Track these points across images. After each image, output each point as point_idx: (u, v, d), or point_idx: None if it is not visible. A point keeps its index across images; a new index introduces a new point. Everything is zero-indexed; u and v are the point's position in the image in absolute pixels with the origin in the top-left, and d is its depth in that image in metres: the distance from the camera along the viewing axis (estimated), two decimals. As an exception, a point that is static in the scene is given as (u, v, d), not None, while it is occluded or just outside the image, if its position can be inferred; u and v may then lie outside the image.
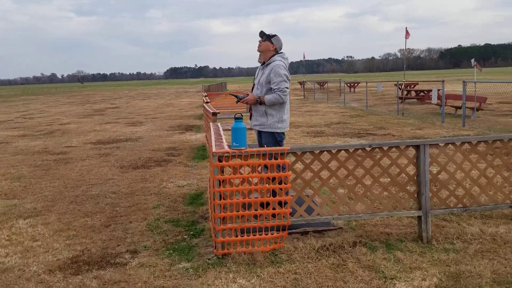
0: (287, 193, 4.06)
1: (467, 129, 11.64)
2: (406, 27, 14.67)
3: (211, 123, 6.15)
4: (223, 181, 3.89)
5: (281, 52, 5.01)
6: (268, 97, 4.81)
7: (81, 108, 27.65)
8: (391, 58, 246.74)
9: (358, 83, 34.31)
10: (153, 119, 17.99)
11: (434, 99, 13.91)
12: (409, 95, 22.14)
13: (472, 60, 13.37)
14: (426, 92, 20.48)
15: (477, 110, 14.06)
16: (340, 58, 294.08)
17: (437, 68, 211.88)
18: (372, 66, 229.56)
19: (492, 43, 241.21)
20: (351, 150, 4.09)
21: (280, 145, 5.00)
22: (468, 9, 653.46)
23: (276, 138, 4.96)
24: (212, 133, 5.11)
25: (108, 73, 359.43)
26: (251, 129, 5.14)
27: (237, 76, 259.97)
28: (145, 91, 58.13)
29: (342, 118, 15.59)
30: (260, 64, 5.20)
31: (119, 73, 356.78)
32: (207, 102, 12.78)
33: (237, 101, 5.12)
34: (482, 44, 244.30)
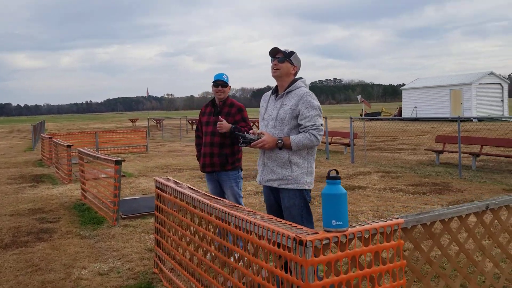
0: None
1: (358, 165, 11.51)
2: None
3: (178, 188, 4.24)
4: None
5: (301, 77, 3.57)
6: (298, 139, 3.31)
7: None
8: (210, 96, 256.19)
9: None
10: (-26, 168, 13.96)
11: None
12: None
13: (359, 97, 13.65)
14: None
15: (348, 145, 14.33)
16: (159, 95, 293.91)
17: (251, 106, 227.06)
18: (192, 103, 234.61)
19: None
20: (464, 216, 2.84)
21: (309, 210, 3.48)
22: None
23: (305, 199, 3.44)
24: (217, 204, 3.31)
25: None
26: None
27: (46, 114, 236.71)
28: None
29: (218, 158, 14.30)
30: (272, 93, 3.66)
31: None
32: (70, 146, 10.20)
33: (243, 144, 3.46)
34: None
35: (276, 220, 2.61)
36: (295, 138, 3.32)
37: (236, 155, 4.64)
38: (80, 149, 8.22)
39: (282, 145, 3.34)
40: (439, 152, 11.33)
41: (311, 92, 3.41)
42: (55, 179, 11.08)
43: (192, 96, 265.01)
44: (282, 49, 3.50)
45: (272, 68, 3.50)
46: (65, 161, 10.59)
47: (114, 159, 6.31)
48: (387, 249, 2.45)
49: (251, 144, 3.40)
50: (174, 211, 3.95)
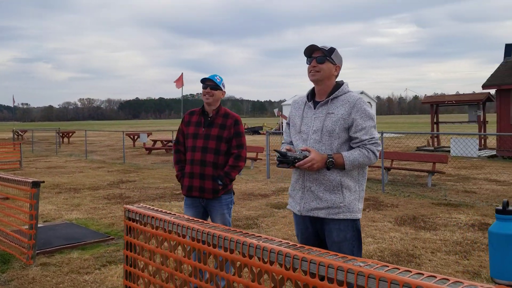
0: None
1: (276, 181, 11.15)
2: (182, 73, 13.50)
3: (179, 222, 3.23)
4: None
5: (342, 80, 2.95)
6: (353, 156, 2.68)
7: None
8: (71, 107, 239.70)
9: (74, 132, 30.62)
10: None
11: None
12: (155, 145, 20.79)
13: (276, 110, 13.33)
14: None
15: (255, 160, 14.03)
16: (12, 105, 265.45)
17: (117, 118, 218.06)
18: (51, 114, 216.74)
19: (165, 97, 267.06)
20: None
21: (361, 244, 2.85)
22: (139, 65, 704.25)
23: (358, 230, 2.80)
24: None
25: None
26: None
27: None
28: None
29: (117, 175, 12.81)
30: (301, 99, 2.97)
31: None
32: None
33: (283, 164, 2.70)
34: (156, 97, 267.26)
35: (398, 269, 1.94)
36: (349, 155, 2.67)
37: None
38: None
39: (333, 165, 2.67)
40: (351, 166, 11.50)
41: (363, 98, 2.81)
42: None
43: (51, 106, 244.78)
44: (320, 45, 2.85)
45: (310, 71, 2.82)
46: None
47: (31, 181, 4.95)
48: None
49: (296, 164, 2.67)
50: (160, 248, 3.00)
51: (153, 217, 3.14)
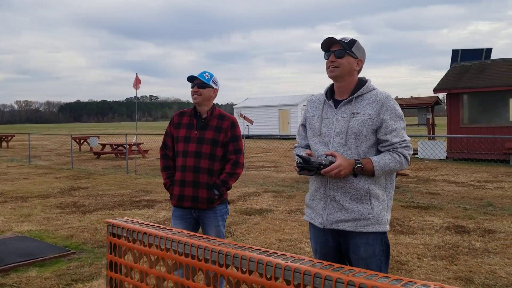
0: None
1: (239, 185, 10.80)
2: (137, 74, 12.87)
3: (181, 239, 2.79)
4: None
5: (364, 77, 2.66)
6: (383, 161, 2.41)
7: None
8: (7, 109, 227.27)
9: (13, 136, 28.71)
10: None
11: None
12: (104, 149, 19.79)
13: (239, 113, 12.91)
14: (129, 146, 18.71)
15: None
16: None
17: (57, 121, 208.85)
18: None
19: (108, 100, 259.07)
20: None
21: (388, 259, 2.57)
22: (79, 67, 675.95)
23: (387, 245, 2.53)
24: None
25: None
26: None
27: None
28: None
29: (66, 181, 11.94)
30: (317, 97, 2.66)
31: None
32: None
33: (304, 171, 2.38)
34: (99, 100, 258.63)
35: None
36: (379, 160, 2.39)
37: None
38: None
39: (361, 171, 2.38)
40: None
41: (392, 97, 2.53)
42: None
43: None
44: (338, 38, 2.56)
45: (328, 67, 2.52)
46: None
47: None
48: None
49: (322, 171, 2.35)
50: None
51: (145, 233, 2.72)
